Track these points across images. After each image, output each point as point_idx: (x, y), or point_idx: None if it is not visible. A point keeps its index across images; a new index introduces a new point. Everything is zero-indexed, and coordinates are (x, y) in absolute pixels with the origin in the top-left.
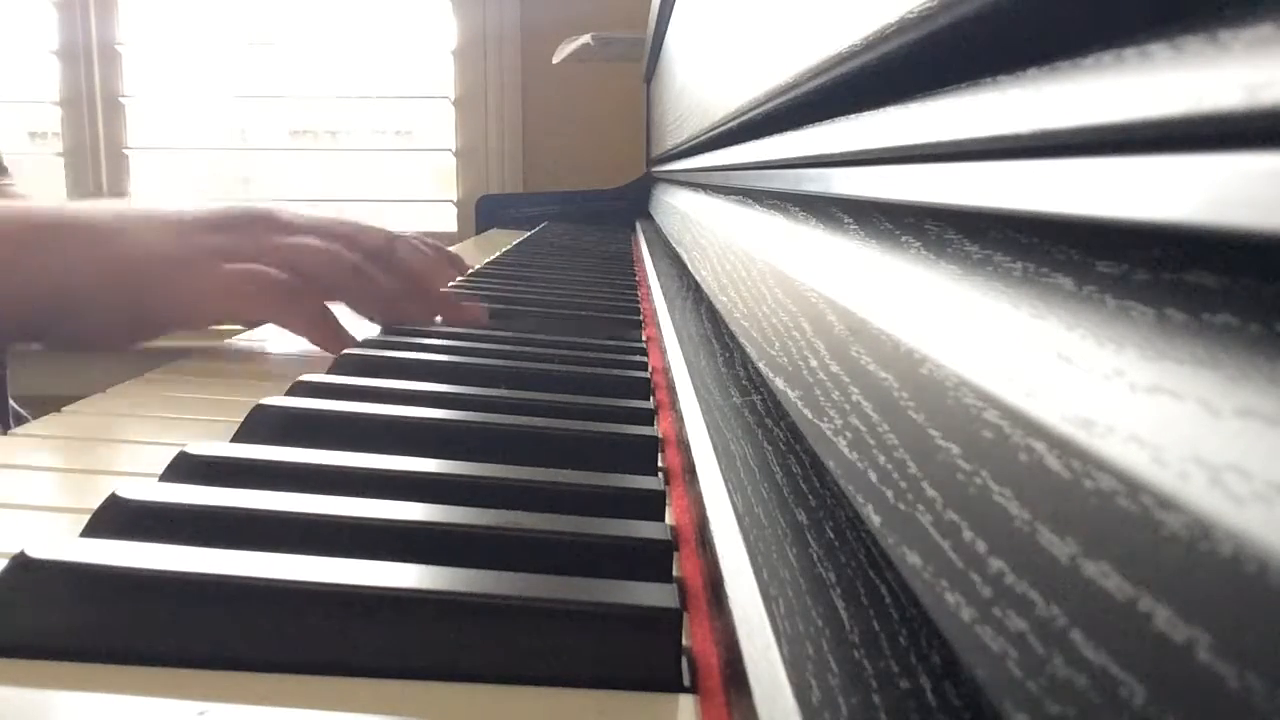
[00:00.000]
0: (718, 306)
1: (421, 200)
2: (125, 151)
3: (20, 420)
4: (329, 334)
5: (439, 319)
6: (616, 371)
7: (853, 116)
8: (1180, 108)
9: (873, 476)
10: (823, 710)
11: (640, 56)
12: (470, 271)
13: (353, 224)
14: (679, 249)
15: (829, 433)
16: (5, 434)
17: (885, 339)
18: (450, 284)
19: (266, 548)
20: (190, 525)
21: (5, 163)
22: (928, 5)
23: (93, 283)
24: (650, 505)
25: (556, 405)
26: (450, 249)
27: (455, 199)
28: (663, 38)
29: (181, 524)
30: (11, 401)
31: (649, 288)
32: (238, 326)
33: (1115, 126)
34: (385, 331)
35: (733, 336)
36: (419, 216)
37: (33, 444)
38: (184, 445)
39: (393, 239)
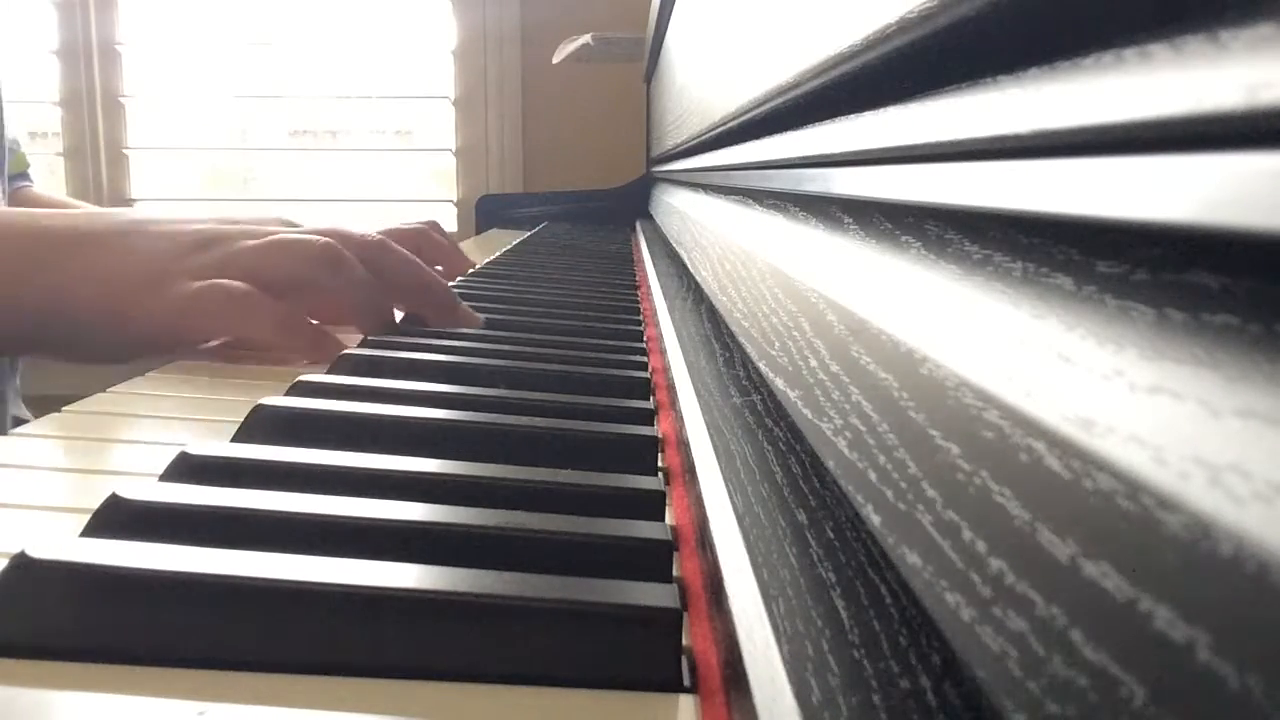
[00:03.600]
0: (718, 306)
1: (421, 200)
2: (125, 151)
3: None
4: (302, 341)
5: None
6: (616, 371)
7: (853, 116)
8: (1180, 108)
9: (873, 476)
10: (823, 710)
11: (640, 56)
12: (470, 271)
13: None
14: (679, 249)
15: (829, 433)
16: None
17: (885, 339)
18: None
19: (267, 548)
20: (190, 525)
21: (30, 169)
22: (928, 5)
23: (84, 302)
24: (650, 505)
25: (556, 405)
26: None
27: (455, 199)
28: (663, 38)
29: (181, 524)
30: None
31: (649, 288)
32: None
33: (1115, 126)
34: (385, 331)
35: (733, 336)
36: (419, 217)
37: (33, 444)
38: (184, 445)
39: (381, 245)
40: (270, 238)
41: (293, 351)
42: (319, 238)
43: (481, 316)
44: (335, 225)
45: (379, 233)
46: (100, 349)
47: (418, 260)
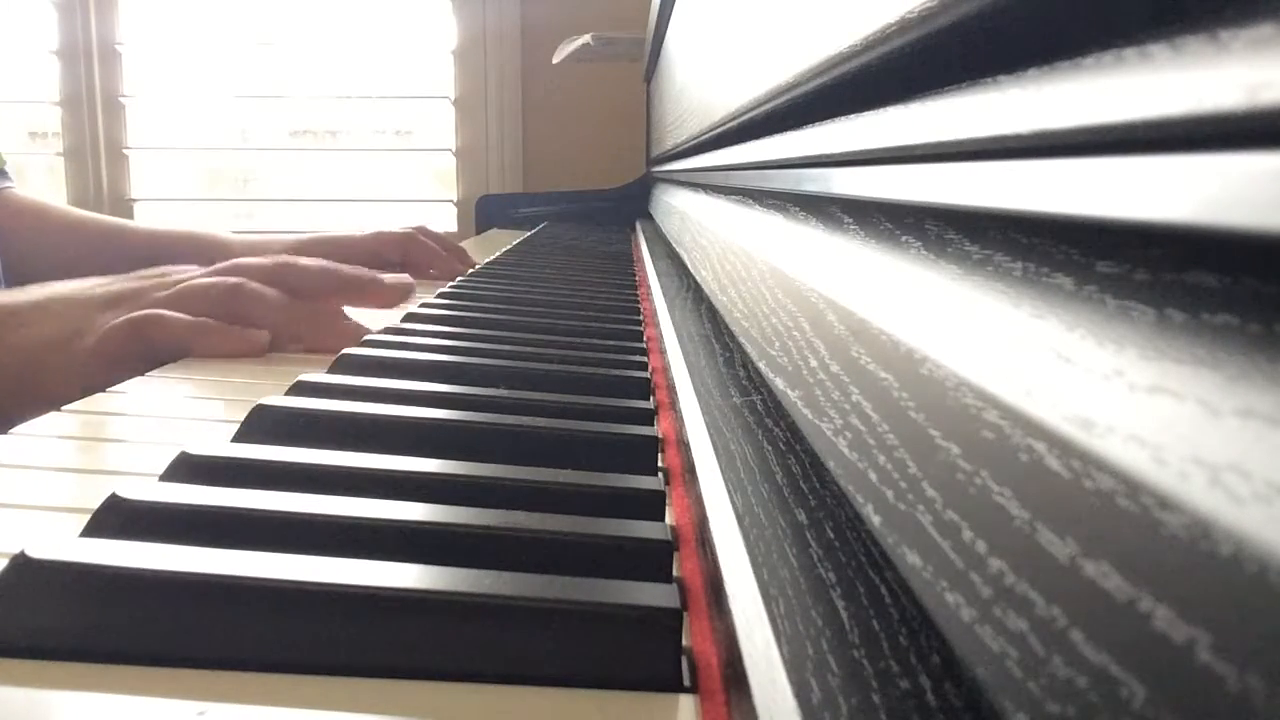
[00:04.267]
0: (718, 306)
1: (421, 200)
2: (125, 151)
3: None
4: (220, 340)
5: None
6: (616, 371)
7: (853, 116)
8: (1180, 108)
9: (873, 476)
10: (823, 710)
11: (640, 56)
12: (471, 271)
13: (247, 261)
14: (679, 249)
15: (829, 433)
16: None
17: (885, 339)
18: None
19: (266, 548)
20: (190, 525)
21: (7, 166)
22: (928, 5)
23: (3, 370)
24: (650, 505)
25: (556, 405)
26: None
27: (455, 199)
28: (663, 38)
29: (182, 524)
30: None
31: (649, 288)
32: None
33: (1115, 126)
34: (386, 331)
35: (733, 336)
36: (419, 217)
37: (33, 444)
38: (184, 445)
39: (283, 264)
40: (178, 287)
41: (228, 353)
42: (225, 279)
43: (410, 280)
44: (246, 255)
45: (365, 235)
46: (17, 409)
47: (325, 265)
